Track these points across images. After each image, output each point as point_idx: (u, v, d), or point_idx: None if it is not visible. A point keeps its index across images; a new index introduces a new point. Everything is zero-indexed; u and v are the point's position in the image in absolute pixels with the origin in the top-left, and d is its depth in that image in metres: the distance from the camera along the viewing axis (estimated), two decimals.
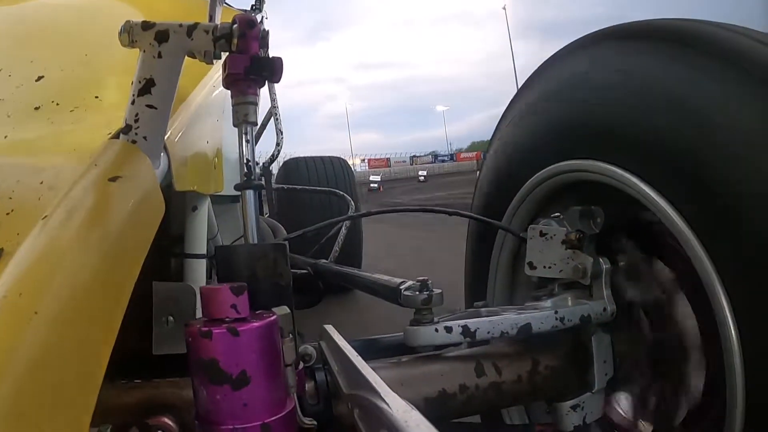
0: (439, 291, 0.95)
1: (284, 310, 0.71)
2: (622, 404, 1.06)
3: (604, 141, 0.97)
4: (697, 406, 0.92)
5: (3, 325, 0.41)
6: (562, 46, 1.17)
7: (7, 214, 0.58)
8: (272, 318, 0.67)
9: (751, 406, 0.75)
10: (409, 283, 0.98)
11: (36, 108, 0.96)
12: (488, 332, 0.94)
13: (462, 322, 0.93)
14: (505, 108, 1.35)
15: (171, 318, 0.94)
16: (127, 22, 0.74)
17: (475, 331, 0.93)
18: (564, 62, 1.15)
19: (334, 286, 1.86)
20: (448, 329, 0.92)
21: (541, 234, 1.07)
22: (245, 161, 0.81)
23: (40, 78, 1.07)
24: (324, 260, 1.91)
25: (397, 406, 0.50)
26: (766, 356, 0.73)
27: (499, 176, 1.32)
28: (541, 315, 0.97)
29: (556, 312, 0.97)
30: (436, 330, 0.92)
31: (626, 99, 0.92)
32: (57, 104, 0.97)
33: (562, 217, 1.08)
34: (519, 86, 1.31)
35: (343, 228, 2.47)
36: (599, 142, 0.99)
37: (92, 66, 1.18)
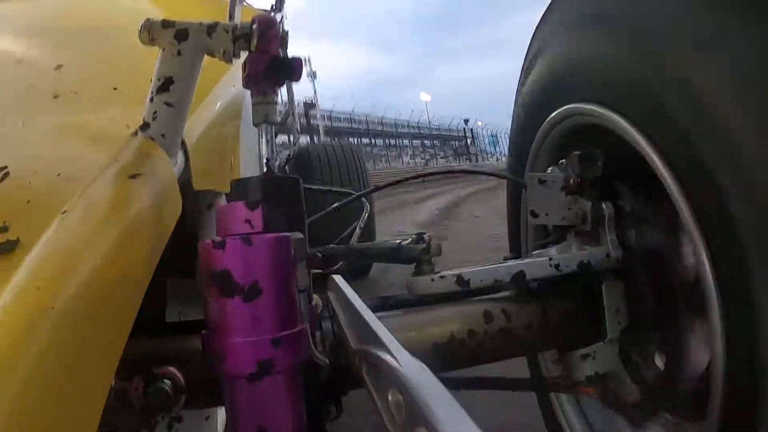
0: (438, 243, 0.97)
1: (298, 235, 0.70)
2: (639, 355, 1.03)
3: (594, 82, 0.95)
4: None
5: (20, 318, 0.41)
6: None
7: (26, 203, 0.58)
8: (286, 234, 0.67)
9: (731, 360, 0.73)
10: (409, 239, 1.00)
11: (55, 96, 0.96)
12: (481, 280, 0.93)
13: (456, 271, 0.93)
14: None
15: (184, 314, 0.95)
16: (147, 20, 0.74)
17: (468, 279, 0.93)
18: None
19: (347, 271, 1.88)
20: (443, 277, 0.93)
21: (540, 181, 1.05)
22: (265, 160, 0.81)
23: (59, 67, 1.08)
24: (331, 245, 1.93)
25: (407, 364, 0.48)
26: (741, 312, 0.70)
27: (519, 122, 1.31)
28: (536, 262, 0.96)
29: (550, 259, 0.96)
30: (432, 279, 0.93)
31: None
32: (76, 93, 0.98)
33: (565, 163, 1.05)
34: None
35: (357, 229, 2.48)
36: (591, 83, 0.97)
37: (112, 59, 1.19)
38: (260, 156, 0.82)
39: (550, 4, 1.17)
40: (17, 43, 1.24)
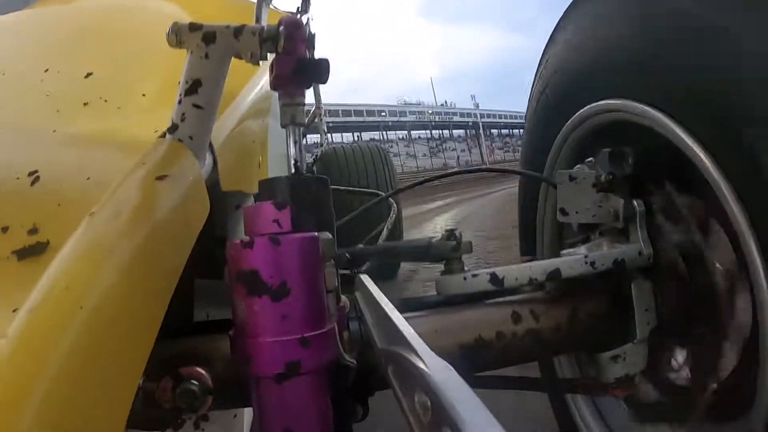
0: (468, 240, 0.96)
1: (326, 235, 0.70)
2: (669, 356, 1.02)
3: (633, 79, 0.94)
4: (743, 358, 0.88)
5: (50, 318, 0.42)
6: None
7: (57, 206, 0.59)
8: (314, 234, 0.67)
9: None
10: (438, 237, 0.99)
11: (84, 104, 0.98)
12: (516, 279, 0.92)
13: (490, 269, 0.93)
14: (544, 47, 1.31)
15: (212, 315, 0.95)
16: (175, 23, 0.75)
17: (503, 278, 0.92)
18: None
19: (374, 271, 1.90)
20: (476, 276, 0.92)
21: (571, 178, 1.04)
22: (293, 162, 0.81)
23: (89, 75, 1.09)
24: (360, 245, 1.93)
25: (433, 365, 0.48)
26: None
27: (539, 120, 1.30)
28: (571, 259, 0.94)
29: (585, 256, 0.94)
30: (464, 278, 0.92)
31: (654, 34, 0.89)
32: (105, 101, 0.99)
33: (594, 161, 1.04)
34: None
35: (384, 230, 2.49)
36: (629, 80, 0.95)
37: (140, 65, 1.20)
38: (288, 157, 0.82)
39: None
40: (46, 50, 1.26)
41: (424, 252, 1.01)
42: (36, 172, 0.68)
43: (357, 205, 3.69)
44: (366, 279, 0.88)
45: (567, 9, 1.19)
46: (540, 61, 1.31)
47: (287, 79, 0.79)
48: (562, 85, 1.21)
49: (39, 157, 0.75)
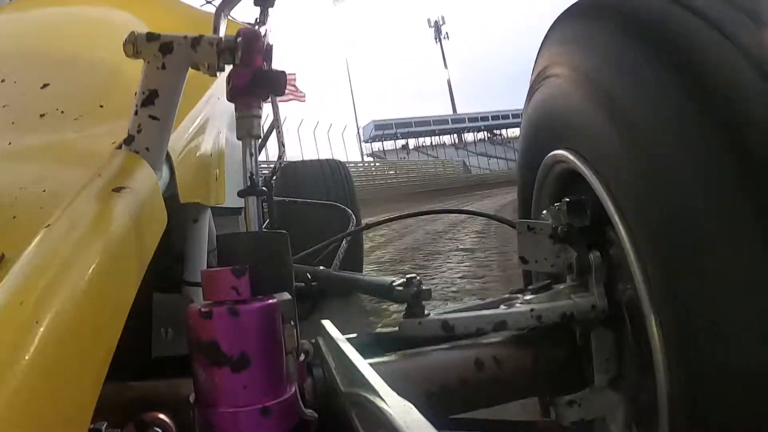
0: (428, 288, 0.99)
1: (285, 296, 0.70)
2: (628, 405, 1.03)
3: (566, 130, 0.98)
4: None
5: (4, 334, 0.41)
6: None
7: (12, 219, 0.58)
8: (273, 300, 0.66)
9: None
10: (401, 280, 1.01)
11: (41, 115, 0.96)
12: (465, 327, 0.95)
13: (442, 316, 0.95)
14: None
15: (170, 330, 0.94)
16: (132, 33, 0.74)
17: (453, 326, 0.94)
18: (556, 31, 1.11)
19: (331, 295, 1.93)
20: (430, 323, 0.94)
21: (529, 228, 1.05)
22: (249, 174, 0.81)
23: (45, 85, 1.07)
24: (323, 267, 1.94)
25: (395, 405, 0.49)
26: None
27: (525, 159, 1.31)
28: (518, 312, 0.96)
29: (532, 310, 0.96)
30: (419, 323, 0.95)
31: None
32: (62, 112, 0.97)
33: (557, 208, 1.05)
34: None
35: (344, 242, 2.48)
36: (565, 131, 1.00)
37: (97, 75, 1.19)
38: (244, 170, 0.82)
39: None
40: (2, 60, 1.23)
41: (386, 292, 1.06)
42: None
43: (314, 216, 3.67)
44: (328, 325, 0.89)
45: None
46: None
47: (244, 90, 0.78)
48: (533, 126, 1.24)
49: None
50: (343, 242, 2.49)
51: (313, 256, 2.35)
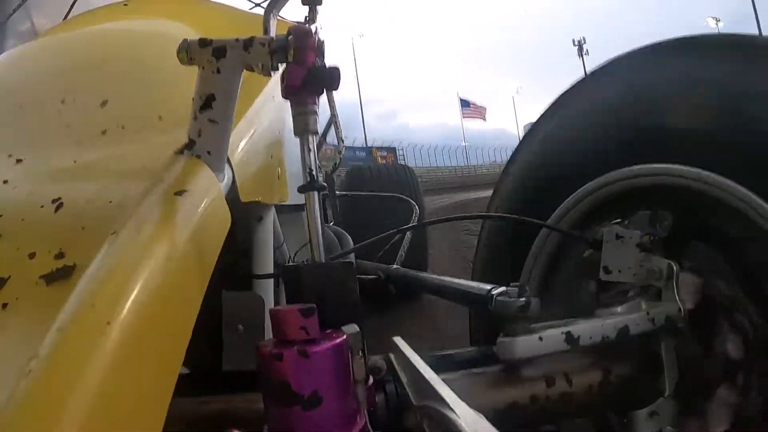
0: (537, 298, 0.90)
1: (353, 328, 0.70)
2: (692, 410, 1.03)
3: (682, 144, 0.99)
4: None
5: (77, 336, 0.43)
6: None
7: (81, 230, 0.60)
8: (342, 338, 0.67)
9: None
10: (502, 288, 0.94)
11: (103, 132, 0.99)
12: (590, 337, 0.92)
13: (564, 328, 0.91)
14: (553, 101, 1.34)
15: (241, 327, 0.96)
16: (185, 40, 0.75)
17: (578, 337, 0.91)
18: (632, 64, 1.16)
19: (403, 293, 1.83)
20: (551, 337, 0.90)
21: (617, 237, 1.04)
22: (308, 170, 0.81)
23: (104, 103, 1.10)
24: (396, 265, 1.88)
25: (466, 416, 0.49)
26: None
27: (549, 175, 1.31)
28: (636, 317, 0.96)
29: (647, 313, 0.96)
30: (540, 339, 0.89)
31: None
32: (122, 127, 1.00)
33: (627, 222, 1.06)
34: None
35: (408, 233, 2.46)
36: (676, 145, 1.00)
37: (154, 87, 1.21)
38: (303, 166, 0.82)
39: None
40: (60, 81, 1.27)
41: (480, 300, 0.97)
42: (59, 199, 0.69)
43: (376, 208, 3.67)
44: (400, 341, 0.88)
45: None
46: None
47: (298, 88, 0.79)
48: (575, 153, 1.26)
49: (61, 185, 0.77)
50: (408, 234, 2.43)
51: (374, 251, 2.29)
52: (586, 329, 0.92)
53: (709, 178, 0.94)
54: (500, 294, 0.93)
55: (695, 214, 1.00)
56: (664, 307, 0.98)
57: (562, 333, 0.90)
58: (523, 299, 0.89)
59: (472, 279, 1.31)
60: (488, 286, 0.98)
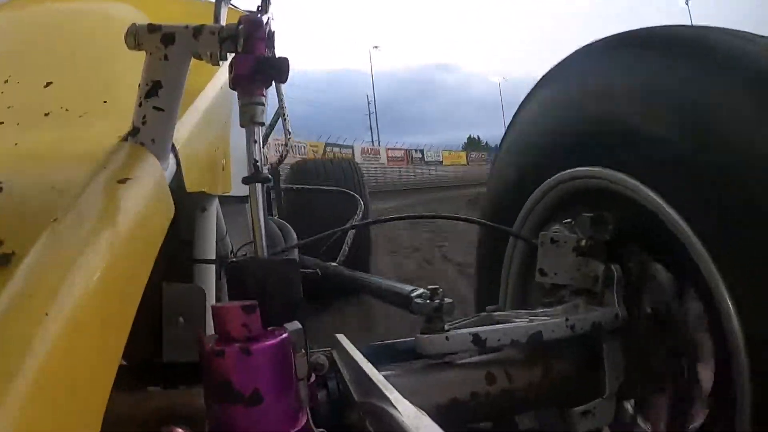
0: (450, 300, 0.95)
1: (296, 325, 0.70)
2: (633, 410, 1.06)
3: (615, 149, 0.99)
4: (707, 411, 0.92)
5: (14, 327, 0.41)
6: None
7: (20, 215, 0.58)
8: (284, 336, 0.66)
9: (758, 405, 0.76)
10: (420, 290, 0.99)
11: (46, 114, 0.96)
12: (498, 340, 0.94)
13: (472, 330, 0.93)
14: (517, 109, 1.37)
15: (181, 319, 0.94)
16: (133, 25, 0.74)
17: (485, 339, 0.93)
18: (579, 65, 1.17)
19: (341, 290, 1.87)
20: (458, 337, 0.92)
21: (552, 241, 1.07)
22: (253, 161, 0.80)
23: (49, 84, 1.07)
24: (334, 263, 1.91)
25: (408, 412, 0.50)
26: None
27: (510, 180, 1.33)
28: (552, 323, 0.97)
29: (566, 320, 0.97)
30: (447, 338, 0.92)
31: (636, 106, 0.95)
32: (66, 110, 0.98)
33: (573, 223, 1.08)
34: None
35: (350, 234, 2.46)
36: (611, 149, 1.01)
37: (100, 71, 1.18)
38: (249, 158, 0.81)
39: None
40: (4, 60, 1.23)
41: (403, 301, 1.02)
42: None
43: (322, 202, 3.65)
44: (342, 338, 0.89)
45: None
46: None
47: (246, 78, 0.78)
48: (529, 155, 1.29)
49: (1, 169, 0.74)
50: (349, 234, 2.43)
51: (317, 247, 2.29)
52: (495, 332, 0.94)
53: (625, 181, 0.96)
54: (418, 296, 0.98)
55: (634, 216, 1.01)
56: (599, 312, 1.00)
57: (470, 334, 0.93)
58: (437, 302, 0.94)
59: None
60: (409, 288, 1.04)
